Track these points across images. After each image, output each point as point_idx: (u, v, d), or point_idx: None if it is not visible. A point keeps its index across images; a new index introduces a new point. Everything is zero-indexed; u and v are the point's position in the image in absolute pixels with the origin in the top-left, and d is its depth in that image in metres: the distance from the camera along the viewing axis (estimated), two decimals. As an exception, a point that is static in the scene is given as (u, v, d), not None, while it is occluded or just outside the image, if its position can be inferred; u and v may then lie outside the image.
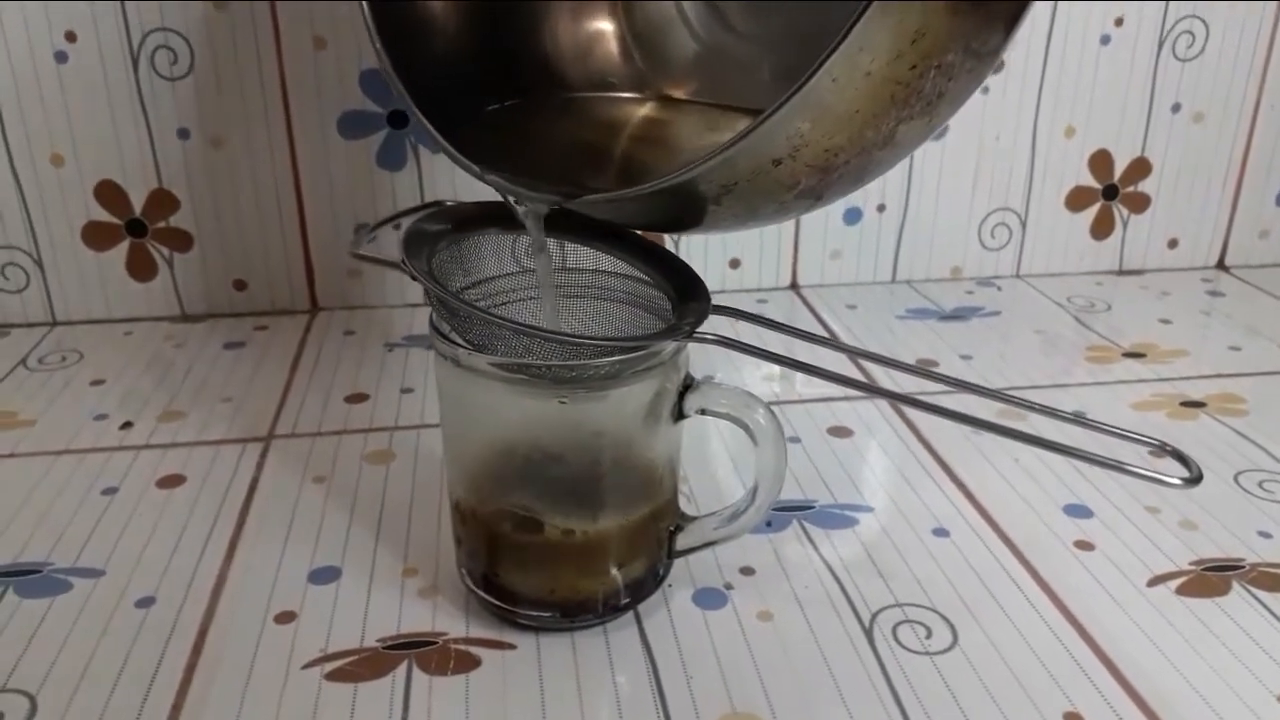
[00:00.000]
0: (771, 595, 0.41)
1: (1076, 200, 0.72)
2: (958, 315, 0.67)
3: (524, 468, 0.37)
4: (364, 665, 0.38)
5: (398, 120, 0.63)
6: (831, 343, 0.41)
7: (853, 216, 0.70)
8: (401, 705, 0.36)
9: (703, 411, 0.38)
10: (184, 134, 0.62)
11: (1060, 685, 0.37)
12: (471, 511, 0.38)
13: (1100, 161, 0.72)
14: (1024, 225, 0.72)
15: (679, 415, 0.38)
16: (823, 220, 0.70)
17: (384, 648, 0.38)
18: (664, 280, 0.40)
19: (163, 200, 0.63)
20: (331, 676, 0.37)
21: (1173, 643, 0.39)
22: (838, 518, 0.46)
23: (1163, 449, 0.35)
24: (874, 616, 0.40)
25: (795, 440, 0.52)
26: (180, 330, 0.65)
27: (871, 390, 0.37)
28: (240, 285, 0.66)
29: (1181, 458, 0.34)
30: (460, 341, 0.35)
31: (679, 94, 0.47)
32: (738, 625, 0.40)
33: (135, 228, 0.64)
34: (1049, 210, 0.72)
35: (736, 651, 0.38)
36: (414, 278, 0.34)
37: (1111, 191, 0.73)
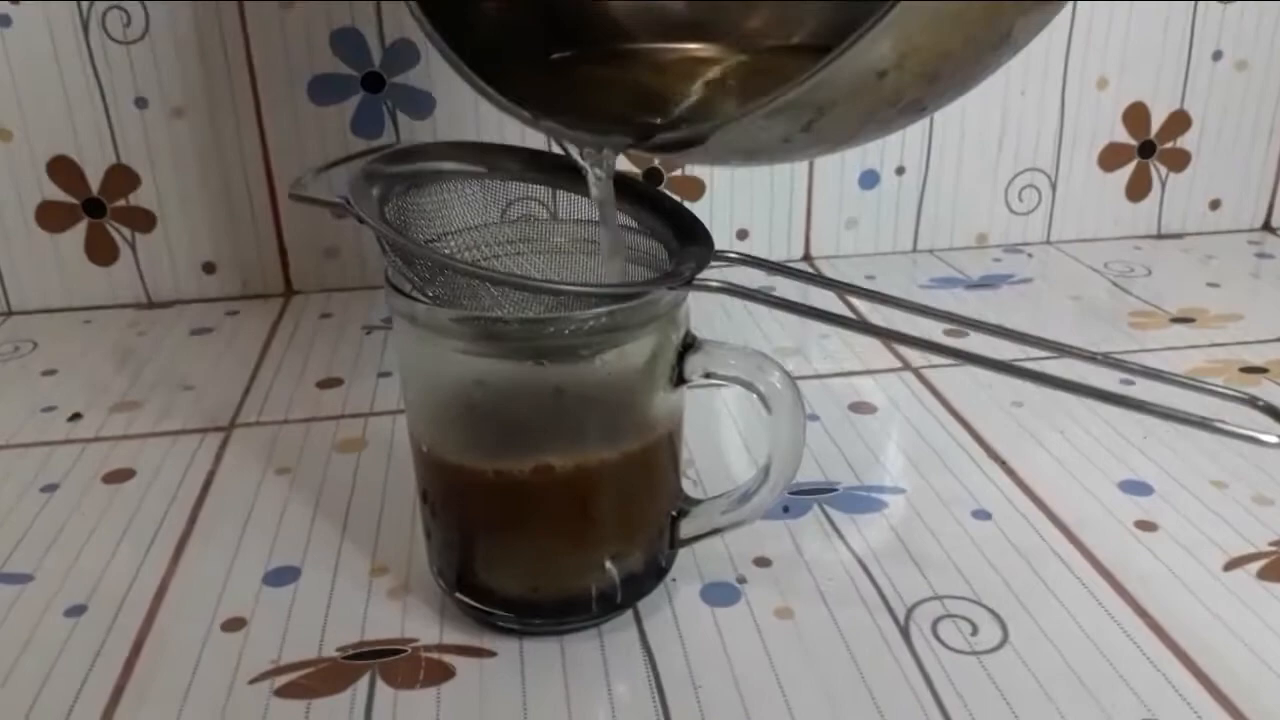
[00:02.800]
0: (791, 589, 0.36)
1: (1110, 159, 0.67)
2: (986, 283, 0.62)
3: (499, 441, 0.31)
4: (320, 678, 0.32)
5: (373, 83, 0.58)
6: (825, 281, 0.36)
7: (869, 180, 0.65)
8: (362, 724, 0.31)
9: (707, 375, 0.32)
10: (142, 103, 0.57)
11: (1131, 685, 0.31)
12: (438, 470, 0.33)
13: (1136, 115, 0.66)
14: (1054, 187, 0.67)
15: (679, 380, 0.32)
16: (837, 185, 0.65)
17: (344, 658, 0.33)
18: (663, 229, 0.34)
19: (122, 177, 0.58)
20: (282, 692, 0.32)
21: (1257, 633, 0.34)
22: (864, 501, 0.41)
23: (1253, 403, 0.29)
24: (910, 611, 0.35)
25: (814, 418, 0.47)
26: (145, 317, 0.60)
27: (897, 338, 0.31)
28: (209, 268, 0.61)
29: (1276, 413, 0.29)
30: (420, 297, 0.30)
31: (736, 40, 0.41)
32: (753, 624, 0.34)
33: (93, 207, 0.59)
34: (1081, 170, 0.67)
35: (751, 655, 0.33)
36: (360, 220, 0.29)
37: (1148, 149, 0.67)
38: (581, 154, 0.32)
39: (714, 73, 0.36)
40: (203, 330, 0.58)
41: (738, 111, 0.26)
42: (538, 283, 0.28)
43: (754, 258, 0.35)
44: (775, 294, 0.31)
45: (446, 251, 0.34)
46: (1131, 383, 0.46)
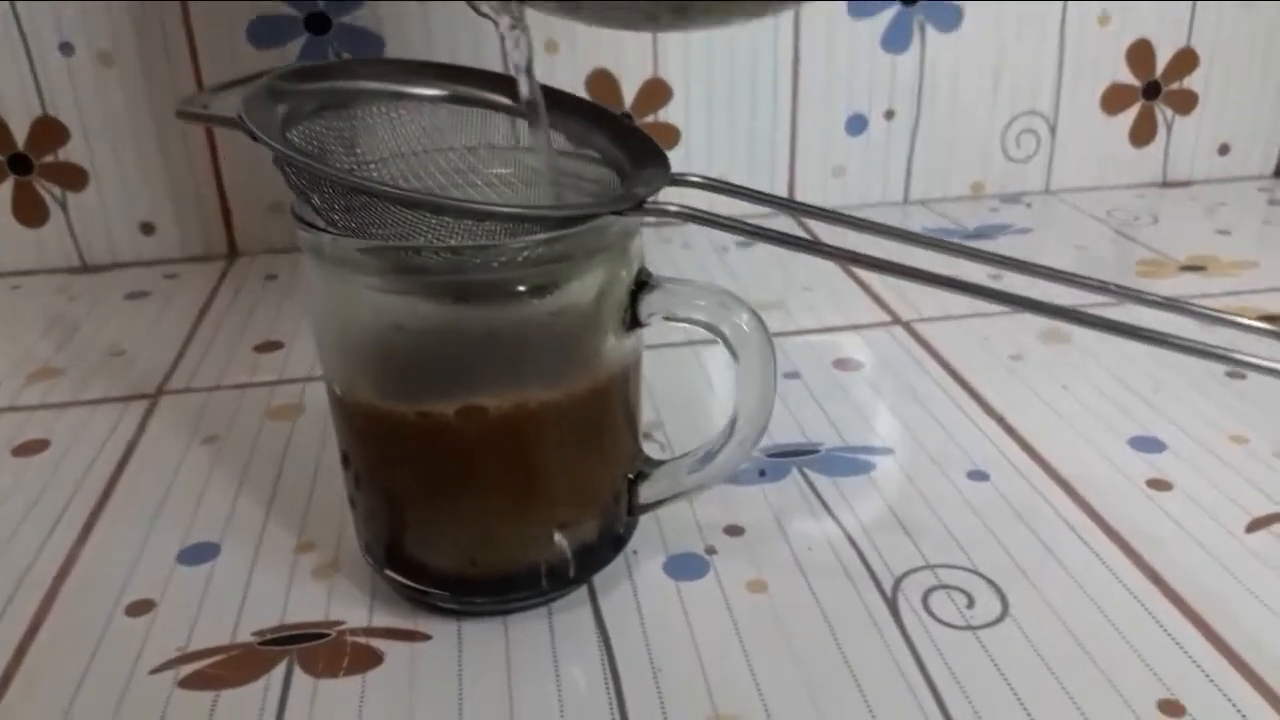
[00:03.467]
0: (766, 560, 0.32)
1: (1113, 101, 0.63)
2: (982, 234, 0.58)
3: (421, 382, 0.27)
4: (231, 666, 0.29)
5: (318, 25, 0.54)
6: (822, 212, 0.32)
7: (856, 125, 0.61)
8: (274, 717, 0.27)
9: (666, 317, 0.28)
10: (67, 49, 0.53)
11: (1146, 660, 0.28)
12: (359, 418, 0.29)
13: (1140, 54, 0.62)
14: (1053, 132, 0.63)
15: (633, 323, 0.28)
16: (822, 131, 0.60)
17: (260, 643, 0.29)
18: (616, 153, 0.30)
19: (49, 130, 0.54)
20: (187, 682, 0.28)
21: (1288, 602, 0.30)
22: (849, 463, 0.37)
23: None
24: (898, 583, 0.31)
25: (795, 376, 0.43)
26: (78, 282, 0.56)
27: (860, 261, 0.27)
28: (147, 229, 0.57)
29: (1314, 347, 0.25)
30: (326, 227, 0.26)
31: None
32: (722, 599, 0.31)
33: (19, 164, 0.55)
34: (1082, 114, 0.63)
35: (720, 633, 0.29)
36: (254, 137, 0.25)
37: (1153, 90, 0.63)
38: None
39: None
40: (138, 294, 0.53)
41: None
42: (459, 203, 0.24)
43: (723, 182, 0.30)
44: (743, 221, 0.27)
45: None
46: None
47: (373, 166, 0.30)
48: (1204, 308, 0.27)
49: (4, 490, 0.37)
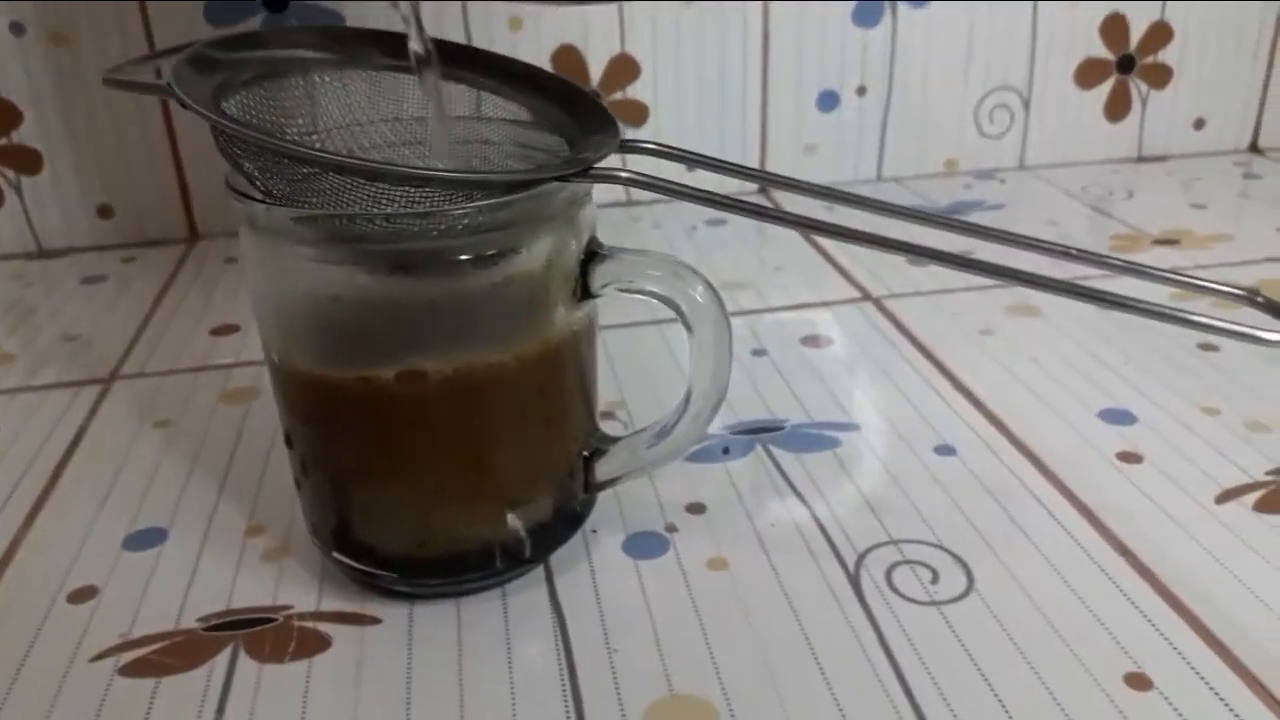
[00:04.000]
0: (727, 537, 0.31)
1: (1087, 75, 0.62)
2: (955, 212, 0.57)
3: (361, 348, 0.26)
4: (174, 653, 0.28)
5: (275, 2, 0.53)
6: (783, 180, 0.31)
7: (828, 102, 0.60)
8: (216, 705, 0.26)
9: (619, 288, 0.28)
10: (17, 29, 0.51)
11: (1114, 634, 0.27)
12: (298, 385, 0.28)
13: (1114, 28, 0.61)
14: (1027, 107, 0.62)
15: (584, 294, 0.28)
16: (793, 107, 0.60)
17: (205, 629, 0.29)
18: (566, 121, 0.30)
19: (0, 112, 0.53)
20: (127, 670, 0.27)
21: (1257, 571, 0.29)
22: (814, 439, 0.36)
23: (1252, 300, 0.25)
24: (861, 559, 0.30)
25: (762, 353, 0.42)
26: (33, 268, 0.54)
27: (814, 226, 0.26)
28: (105, 212, 0.56)
29: (1277, 308, 0.24)
30: (259, 196, 0.25)
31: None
32: (681, 578, 0.30)
33: (-28, 148, 0.53)
34: (1056, 88, 0.62)
35: (678, 613, 0.28)
36: (183, 104, 0.24)
37: (1127, 63, 0.62)
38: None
39: None
40: (95, 279, 0.52)
41: None
42: (396, 168, 0.23)
43: (677, 149, 0.30)
44: (691, 187, 0.26)
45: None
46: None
47: (315, 138, 0.29)
48: (1157, 269, 0.26)
49: (-52, 478, 0.36)
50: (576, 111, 0.29)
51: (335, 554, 0.29)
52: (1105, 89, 0.63)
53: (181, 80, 0.24)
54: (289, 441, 0.29)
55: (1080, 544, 0.31)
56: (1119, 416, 0.37)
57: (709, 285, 0.27)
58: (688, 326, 0.27)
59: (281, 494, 0.34)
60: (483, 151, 0.30)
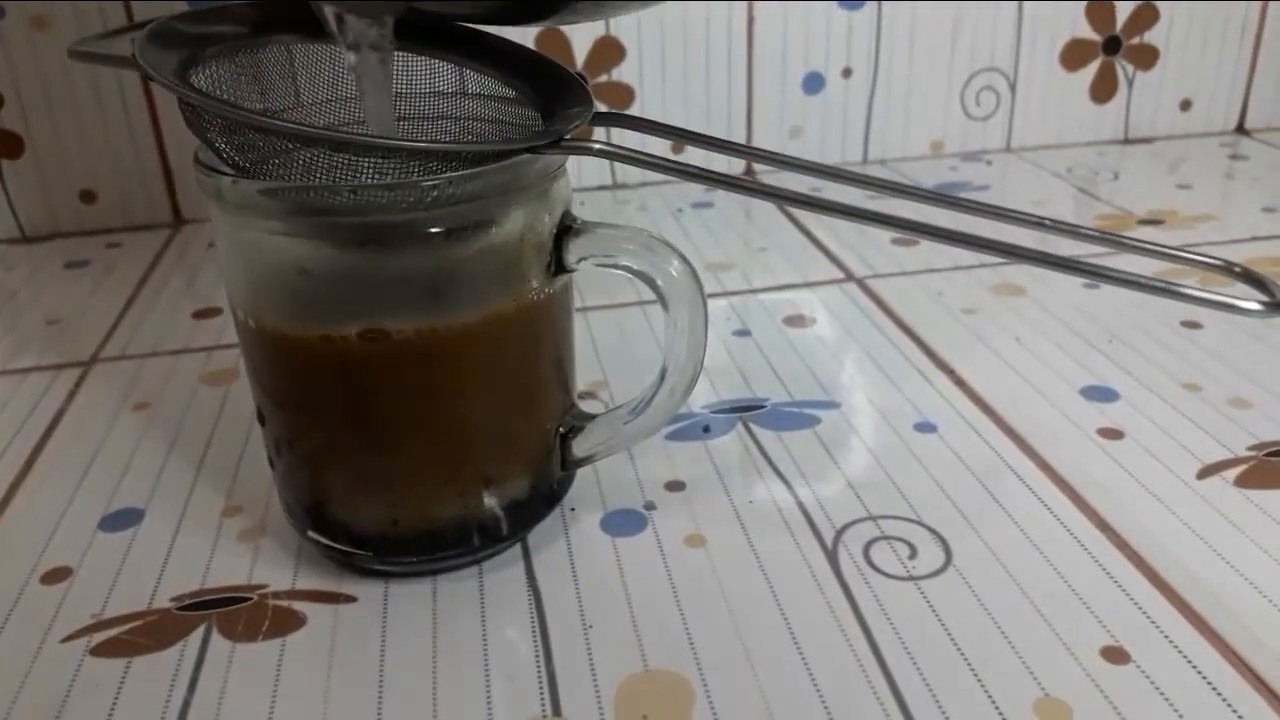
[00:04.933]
0: (705, 514, 0.31)
1: (1074, 57, 0.62)
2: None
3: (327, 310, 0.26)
4: (146, 633, 0.28)
5: (256, -16, 0.52)
6: (742, 150, 0.31)
7: (813, 84, 0.60)
8: (186, 684, 0.26)
9: (594, 263, 0.27)
10: (-3, 12, 0.51)
11: (1093, 609, 0.27)
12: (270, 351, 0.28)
13: (1100, 9, 0.61)
14: (1013, 89, 0.62)
15: (559, 268, 0.27)
16: (779, 90, 0.59)
17: (179, 608, 0.28)
18: (536, 95, 0.29)
19: (-19, 97, 0.53)
20: (99, 650, 0.27)
21: (1236, 546, 0.29)
22: (794, 417, 0.36)
23: (1230, 270, 0.25)
24: (839, 534, 0.30)
25: (745, 334, 0.42)
26: (16, 253, 0.54)
27: (785, 197, 0.26)
28: (88, 197, 0.55)
29: (1257, 280, 0.24)
30: (225, 170, 0.25)
31: None
32: (659, 554, 0.30)
33: (-48, 132, 0.53)
34: (1042, 70, 0.62)
35: (654, 589, 0.28)
36: (148, 76, 0.24)
37: (1114, 45, 0.62)
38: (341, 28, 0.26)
39: None
40: (78, 263, 0.52)
41: None
42: (362, 138, 0.23)
43: (650, 121, 0.29)
44: (662, 158, 0.26)
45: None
46: (1096, 287, 0.41)
47: (288, 114, 0.29)
48: (1137, 239, 0.26)
49: (-76, 461, 0.36)
50: (552, 87, 0.29)
51: (310, 533, 0.29)
52: (1091, 70, 0.62)
53: (147, 52, 0.24)
54: (261, 419, 0.29)
55: (1060, 519, 0.30)
56: (1101, 394, 0.37)
57: (684, 259, 0.27)
58: (663, 301, 0.27)
59: (259, 474, 0.34)
60: (456, 127, 0.30)
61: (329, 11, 0.26)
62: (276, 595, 0.29)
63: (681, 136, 0.29)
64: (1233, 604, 0.27)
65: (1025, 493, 0.32)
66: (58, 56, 0.52)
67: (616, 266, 0.27)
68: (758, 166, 0.61)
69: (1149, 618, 0.27)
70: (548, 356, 0.29)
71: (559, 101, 0.29)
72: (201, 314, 0.46)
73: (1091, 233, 0.26)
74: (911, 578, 0.28)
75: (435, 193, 0.24)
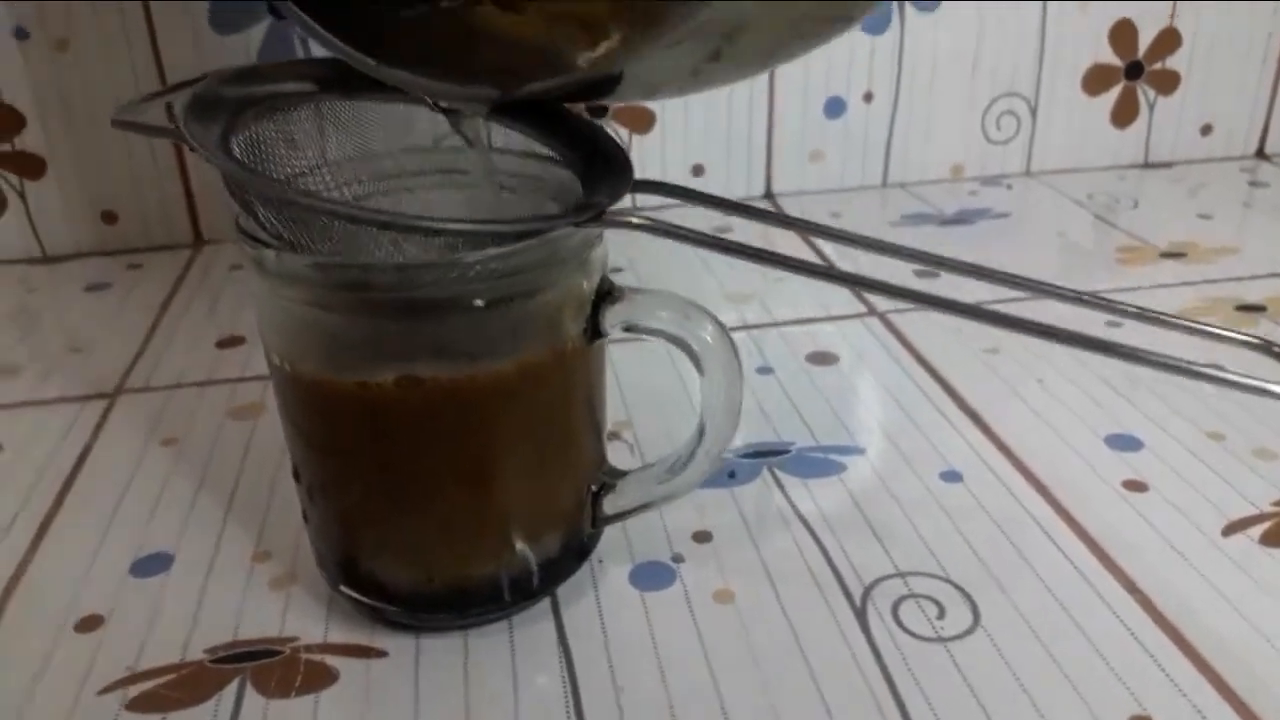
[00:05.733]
0: (733, 568, 0.31)
1: (1095, 82, 0.62)
2: (961, 219, 0.57)
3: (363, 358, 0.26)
4: (182, 686, 0.28)
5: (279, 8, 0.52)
6: (780, 218, 0.31)
7: (835, 108, 0.59)
8: (223, 743, 0.26)
9: (629, 328, 0.28)
10: (21, 34, 0.51)
11: (1118, 672, 0.27)
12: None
13: (1123, 34, 0.61)
14: (1034, 114, 0.62)
15: (595, 334, 0.27)
16: (800, 115, 0.59)
17: (212, 661, 0.29)
18: (574, 156, 0.29)
19: (4, 117, 0.53)
20: (135, 704, 0.27)
21: (1262, 608, 0.29)
22: (820, 463, 0.36)
23: (1267, 349, 0.25)
24: (868, 591, 0.30)
25: (768, 371, 0.42)
26: (37, 273, 0.54)
27: (831, 277, 0.27)
28: (110, 218, 0.55)
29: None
30: (270, 240, 0.25)
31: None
32: (687, 610, 0.30)
33: (-26, 152, 0.53)
34: (1063, 94, 0.62)
35: (684, 646, 0.29)
36: (192, 148, 0.24)
37: (1135, 70, 0.62)
38: (452, 121, 0.27)
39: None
40: (100, 286, 0.52)
41: (624, 55, 0.22)
42: (409, 221, 0.23)
43: (690, 190, 0.30)
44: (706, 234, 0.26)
45: (313, 188, 0.29)
46: (1119, 324, 0.41)
47: (323, 171, 0.29)
48: (1171, 316, 0.26)
49: (-46, 497, 0.36)
50: (588, 146, 0.29)
51: (343, 587, 0.29)
52: (1113, 95, 0.62)
53: (189, 121, 0.24)
54: (296, 475, 0.29)
55: (1087, 578, 0.31)
56: (1125, 442, 0.37)
57: (718, 325, 0.27)
58: (698, 366, 0.27)
59: (288, 518, 0.34)
60: (508, 201, 0.30)
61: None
62: (309, 649, 0.29)
63: (733, 209, 0.29)
64: (1262, 673, 0.27)
65: (1051, 549, 0.32)
66: (79, 77, 0.52)
67: (650, 333, 0.27)
68: (777, 189, 0.61)
69: (1177, 686, 0.27)
70: (582, 408, 0.29)
71: (595, 164, 0.29)
72: (225, 343, 0.46)
73: (1129, 308, 0.26)
74: (940, 639, 0.29)
75: (478, 268, 0.24)
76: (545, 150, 0.30)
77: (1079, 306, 0.27)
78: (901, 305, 0.47)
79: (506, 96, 0.25)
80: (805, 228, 0.29)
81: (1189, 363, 0.23)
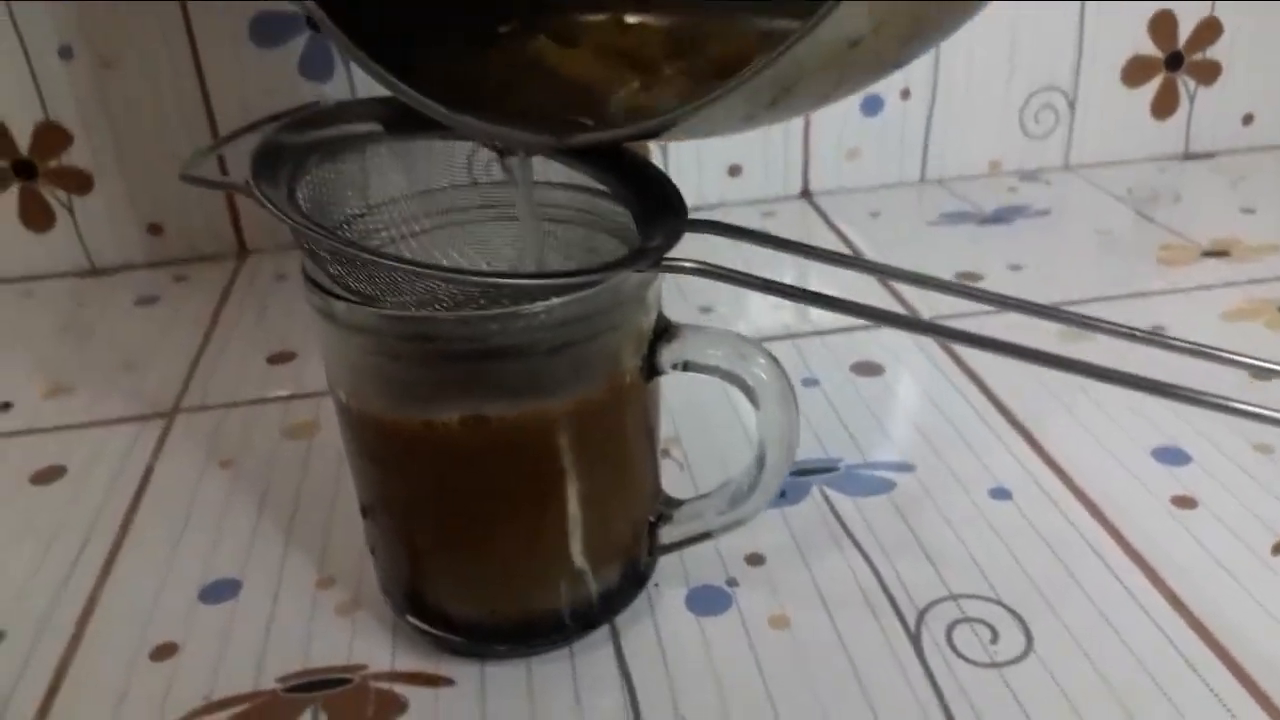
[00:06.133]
0: (788, 592, 0.32)
1: (1135, 73, 0.61)
2: (1000, 218, 0.57)
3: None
4: (258, 716, 0.29)
5: (319, 20, 0.53)
6: (851, 260, 0.31)
7: (872, 106, 0.59)
8: (301, 774, 0.27)
9: (685, 366, 0.28)
10: (66, 53, 0.52)
11: (1173, 700, 0.28)
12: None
13: (1163, 25, 0.60)
14: (1072, 107, 0.61)
15: (651, 372, 0.28)
16: (837, 112, 0.59)
17: (285, 690, 0.30)
18: (624, 189, 0.30)
19: (52, 134, 0.53)
20: (213, 735, 0.28)
21: (1316, 631, 0.30)
22: (869, 481, 0.37)
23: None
24: (921, 616, 0.31)
25: (813, 382, 0.43)
26: (87, 286, 0.55)
27: (909, 325, 0.28)
28: (155, 229, 0.56)
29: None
30: (339, 291, 0.26)
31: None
32: (744, 636, 0.30)
33: (24, 169, 0.54)
34: (1102, 87, 0.61)
35: (742, 672, 0.29)
36: (262, 203, 0.24)
37: (1176, 61, 0.61)
38: (500, 157, 0.27)
39: (660, 48, 0.31)
40: (148, 300, 0.53)
41: (687, 107, 0.22)
42: (471, 275, 0.24)
43: (749, 230, 0.30)
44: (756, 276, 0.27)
45: (375, 226, 0.30)
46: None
47: (383, 209, 0.30)
48: (1229, 352, 0.26)
49: (24, 521, 0.37)
50: (639, 182, 0.29)
51: (409, 617, 0.30)
52: (1153, 86, 0.62)
53: (259, 178, 0.25)
54: (364, 511, 0.30)
55: (1136, 598, 0.31)
56: (1172, 456, 0.37)
57: (771, 360, 0.28)
58: (754, 401, 0.28)
59: (348, 541, 0.35)
60: (550, 227, 0.30)
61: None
62: (377, 677, 0.30)
63: (800, 250, 0.30)
64: (1315, 699, 0.27)
65: (1101, 568, 0.32)
66: (123, 93, 0.53)
67: (706, 370, 0.28)
68: (814, 187, 0.61)
69: (1229, 710, 0.27)
70: (640, 441, 0.29)
71: (648, 200, 0.29)
72: (275, 359, 0.47)
73: (1184, 345, 0.26)
74: (994, 664, 0.29)
75: (542, 317, 0.25)
76: (595, 184, 0.30)
77: (1134, 343, 0.27)
78: (946, 310, 0.48)
79: (564, 143, 0.26)
80: (884, 272, 0.30)
81: (1259, 406, 0.23)
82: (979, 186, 0.61)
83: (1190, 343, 0.27)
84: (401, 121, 0.30)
